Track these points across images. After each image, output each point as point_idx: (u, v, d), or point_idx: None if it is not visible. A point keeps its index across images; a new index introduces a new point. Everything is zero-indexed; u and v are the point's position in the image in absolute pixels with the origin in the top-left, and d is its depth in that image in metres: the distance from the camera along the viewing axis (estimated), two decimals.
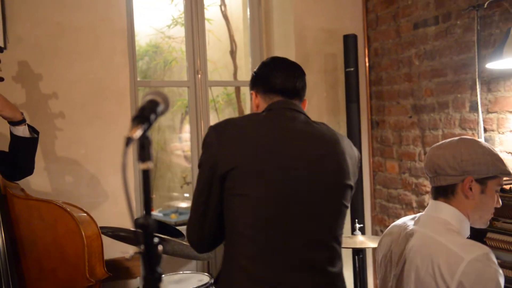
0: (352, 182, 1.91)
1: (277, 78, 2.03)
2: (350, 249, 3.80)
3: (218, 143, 1.81)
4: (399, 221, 2.00)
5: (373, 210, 4.15)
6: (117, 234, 2.90)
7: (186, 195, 4.75)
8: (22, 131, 2.41)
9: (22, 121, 2.41)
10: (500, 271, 1.64)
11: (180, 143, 5.28)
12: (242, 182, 1.78)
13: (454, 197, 1.81)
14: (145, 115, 1.11)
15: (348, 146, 1.95)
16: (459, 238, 1.73)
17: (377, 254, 2.05)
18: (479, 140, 1.96)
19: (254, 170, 1.79)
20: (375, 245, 3.06)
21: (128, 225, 3.16)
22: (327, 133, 1.93)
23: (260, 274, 1.79)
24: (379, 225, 4.10)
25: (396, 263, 1.85)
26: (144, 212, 1.08)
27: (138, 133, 1.07)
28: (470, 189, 1.79)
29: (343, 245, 3.27)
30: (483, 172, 1.79)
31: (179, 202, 4.89)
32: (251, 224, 1.79)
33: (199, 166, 1.86)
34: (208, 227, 1.84)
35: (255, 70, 2.14)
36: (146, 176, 1.07)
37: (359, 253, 3.32)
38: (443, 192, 1.83)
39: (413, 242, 1.79)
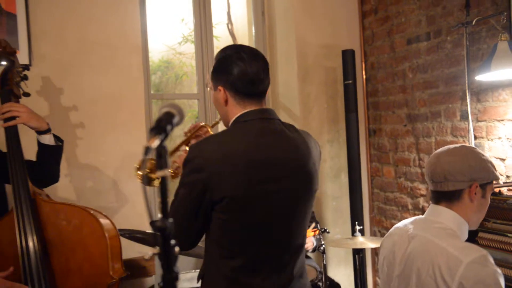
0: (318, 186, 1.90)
1: (254, 82, 1.83)
2: (351, 250, 3.82)
3: (207, 169, 1.67)
4: (400, 224, 1.98)
5: (371, 212, 4.14)
6: (133, 235, 2.90)
7: None
8: (48, 139, 2.42)
9: (47, 130, 2.41)
10: (499, 271, 1.63)
11: None
12: (232, 209, 1.70)
13: (459, 201, 1.80)
14: (162, 126, 1.13)
15: (314, 148, 1.91)
16: (458, 242, 1.72)
17: (379, 255, 2.04)
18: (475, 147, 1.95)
19: (244, 199, 1.70)
20: (374, 245, 3.07)
21: (144, 227, 3.18)
22: (300, 142, 1.86)
23: (247, 281, 1.76)
24: (377, 226, 4.09)
25: (398, 265, 1.84)
26: (161, 215, 1.08)
27: (155, 143, 1.08)
28: (475, 194, 1.80)
29: (344, 246, 3.29)
30: (485, 178, 1.81)
31: None
32: (239, 241, 1.75)
33: (183, 184, 1.71)
34: (193, 235, 1.75)
35: (220, 58, 1.86)
36: (163, 182, 1.07)
37: (359, 253, 3.32)
38: (447, 197, 1.82)
39: (414, 245, 1.79)
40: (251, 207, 1.71)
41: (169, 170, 1.48)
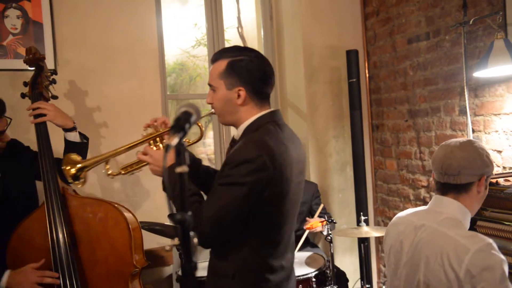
0: None
1: (271, 84, 1.86)
2: (356, 239, 3.84)
3: (271, 168, 1.66)
4: (403, 213, 1.99)
5: (375, 203, 4.15)
6: (153, 228, 2.92)
7: None
8: (73, 136, 2.45)
9: (73, 128, 2.44)
10: (504, 258, 1.63)
11: (204, 148, 5.30)
12: (279, 201, 1.74)
13: (466, 193, 1.81)
14: (181, 125, 1.13)
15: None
16: (465, 231, 1.73)
17: (385, 243, 2.04)
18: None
19: (288, 192, 1.76)
20: (378, 234, 3.08)
21: (163, 219, 3.21)
22: (300, 142, 1.95)
23: (278, 264, 1.82)
24: (381, 216, 4.11)
25: (406, 253, 1.84)
26: (181, 209, 1.07)
27: (175, 141, 1.08)
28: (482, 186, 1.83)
29: (350, 236, 3.28)
30: (489, 172, 1.83)
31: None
32: (278, 229, 1.79)
33: (241, 183, 1.64)
34: (230, 232, 1.73)
35: (238, 60, 1.80)
36: (182, 178, 1.07)
37: (364, 241, 3.33)
38: (457, 189, 1.82)
39: (422, 235, 1.79)
40: (289, 199, 1.77)
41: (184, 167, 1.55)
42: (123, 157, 2.37)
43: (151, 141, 1.99)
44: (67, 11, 3.10)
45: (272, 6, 4.11)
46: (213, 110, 1.90)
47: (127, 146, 2.04)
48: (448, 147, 1.86)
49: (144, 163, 2.00)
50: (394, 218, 2.03)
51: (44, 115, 2.35)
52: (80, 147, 2.48)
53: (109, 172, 2.05)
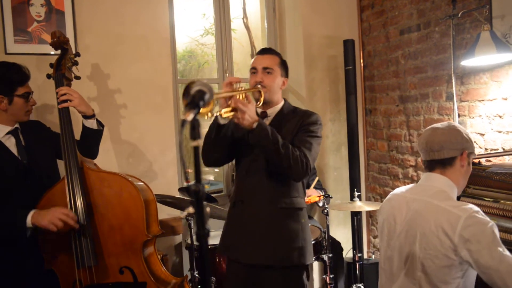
0: None
1: None
2: (349, 212, 3.87)
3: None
4: (396, 191, 2.00)
5: (367, 181, 4.17)
6: (164, 200, 2.94)
7: (216, 170, 4.79)
8: (91, 123, 2.43)
9: (92, 116, 2.43)
10: (492, 222, 1.67)
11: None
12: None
13: (451, 167, 1.84)
14: (195, 102, 1.12)
15: None
16: (454, 201, 1.76)
17: (378, 218, 2.06)
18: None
19: None
20: (369, 208, 3.11)
21: (173, 192, 3.23)
22: None
23: None
24: (372, 193, 4.13)
25: (399, 225, 1.86)
26: (196, 180, 1.07)
27: (190, 116, 1.06)
28: (464, 160, 1.86)
29: (344, 209, 3.34)
30: (470, 148, 1.87)
31: (210, 176, 4.93)
32: None
33: (318, 136, 2.20)
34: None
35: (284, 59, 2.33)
36: (196, 151, 1.05)
37: (357, 215, 3.36)
38: (442, 164, 1.85)
39: (416, 207, 1.81)
40: None
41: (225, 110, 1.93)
42: None
43: (241, 95, 2.02)
44: (87, 0, 3.07)
45: None
46: (259, 86, 2.20)
47: (229, 93, 1.98)
48: (431, 128, 1.90)
49: (232, 111, 1.97)
50: (389, 195, 2.05)
51: (70, 100, 2.34)
52: (96, 134, 2.48)
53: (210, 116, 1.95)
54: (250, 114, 1.95)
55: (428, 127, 1.94)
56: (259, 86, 2.19)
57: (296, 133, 2.16)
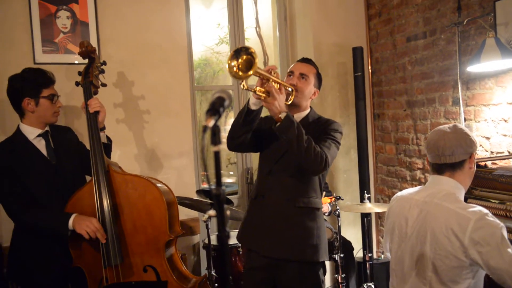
0: None
1: None
2: (359, 213, 3.86)
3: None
4: (403, 193, 1.99)
5: (376, 183, 4.15)
6: (182, 202, 2.95)
7: (231, 172, 4.81)
8: (102, 136, 2.46)
9: (103, 128, 2.47)
10: (502, 224, 1.65)
11: (225, 133, 5.32)
12: None
13: (461, 170, 1.83)
14: (216, 108, 1.11)
15: None
16: (464, 204, 1.75)
17: (387, 220, 2.04)
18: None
19: None
20: (379, 210, 3.09)
21: (191, 194, 3.25)
22: None
23: None
24: (380, 194, 4.11)
25: (411, 227, 1.84)
26: (216, 184, 1.07)
27: (211, 123, 1.06)
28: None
29: (355, 211, 3.34)
30: (475, 149, 1.87)
31: (225, 178, 4.94)
32: None
33: (339, 143, 2.24)
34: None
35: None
36: (217, 156, 1.05)
37: (367, 216, 3.34)
38: (451, 167, 1.84)
39: (427, 209, 1.80)
40: None
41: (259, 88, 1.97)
42: None
43: (276, 84, 2.02)
44: (109, 12, 3.11)
45: (286, 8, 4.10)
46: (291, 88, 2.22)
47: (265, 73, 1.97)
48: (440, 131, 1.88)
49: (265, 94, 1.99)
50: (395, 197, 2.03)
51: (100, 112, 2.40)
52: (105, 148, 2.49)
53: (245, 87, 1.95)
54: (279, 103, 1.98)
55: (436, 129, 1.91)
56: (291, 88, 2.22)
57: (318, 136, 2.19)
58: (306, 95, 2.28)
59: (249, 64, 1.82)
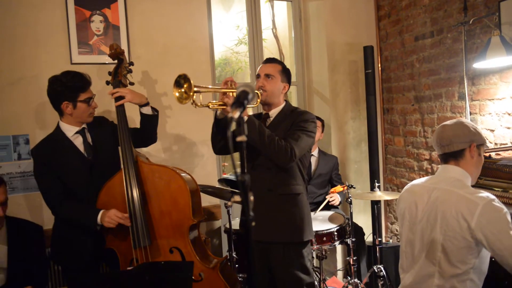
0: None
1: None
2: (369, 201, 3.85)
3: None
4: (416, 181, 2.00)
5: (385, 173, 4.13)
6: (205, 189, 2.96)
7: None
8: (146, 110, 2.50)
9: (146, 104, 2.50)
10: (506, 209, 1.66)
11: None
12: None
13: (462, 158, 1.83)
14: (241, 101, 1.11)
15: None
16: (472, 189, 1.75)
17: (398, 206, 2.04)
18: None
19: None
20: (388, 198, 3.07)
21: (213, 183, 3.28)
22: None
23: None
24: (389, 184, 4.09)
25: (421, 211, 1.85)
26: (241, 172, 1.06)
27: (237, 114, 1.07)
28: (474, 152, 1.84)
29: (366, 198, 3.34)
30: (479, 141, 1.85)
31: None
32: None
33: (312, 132, 2.25)
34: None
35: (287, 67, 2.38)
36: (241, 146, 1.05)
37: (377, 203, 3.34)
38: (454, 156, 1.84)
39: (437, 195, 1.80)
40: None
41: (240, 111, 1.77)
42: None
43: (232, 93, 2.12)
44: (138, 17, 3.15)
45: (301, 11, 4.08)
46: (260, 91, 2.29)
47: (213, 90, 2.14)
48: (442, 125, 1.90)
49: (223, 105, 2.13)
50: (407, 186, 2.03)
51: (123, 97, 2.41)
52: (152, 119, 2.55)
53: (199, 103, 2.08)
54: None
55: (440, 125, 1.93)
56: (260, 91, 2.30)
57: (289, 128, 2.26)
58: (276, 92, 2.32)
59: (190, 87, 1.96)
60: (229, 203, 2.91)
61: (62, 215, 2.36)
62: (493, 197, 1.68)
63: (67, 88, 2.29)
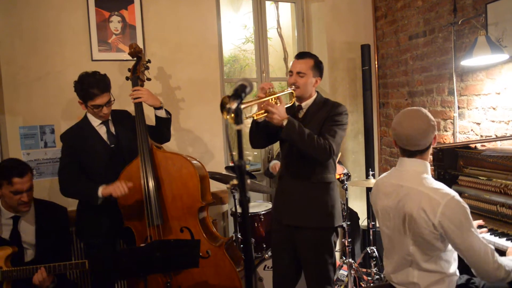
0: None
1: None
2: (364, 188, 3.88)
3: None
4: (384, 178, 1.93)
5: (380, 162, 4.15)
6: (214, 176, 3.02)
7: (255, 153, 4.87)
8: (160, 113, 2.53)
9: (160, 107, 2.53)
10: (467, 205, 1.65)
11: (249, 120, 5.36)
12: None
13: (427, 151, 1.80)
14: (238, 93, 1.14)
15: None
16: (434, 184, 1.71)
17: (371, 201, 2.00)
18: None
19: None
20: None
21: (221, 170, 3.32)
22: None
23: None
24: (384, 172, 4.10)
25: (392, 208, 1.81)
26: (238, 157, 1.10)
27: (234, 105, 1.10)
28: None
29: (361, 185, 3.33)
30: (436, 130, 1.80)
31: (250, 157, 4.98)
32: None
33: (345, 124, 2.24)
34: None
35: (320, 61, 2.30)
36: (239, 134, 1.09)
37: (371, 190, 3.35)
38: (420, 151, 1.78)
39: (403, 193, 1.76)
40: None
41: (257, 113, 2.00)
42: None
43: (272, 99, 2.08)
44: (153, 17, 3.18)
45: (303, 12, 4.09)
46: (293, 87, 2.24)
47: (258, 101, 2.05)
48: (408, 123, 1.75)
49: (265, 113, 2.07)
50: (377, 181, 1.97)
51: (140, 97, 2.46)
52: (166, 121, 2.58)
53: (248, 115, 2.06)
54: (279, 114, 2.04)
55: (402, 117, 1.78)
56: (292, 87, 2.24)
57: (324, 122, 2.20)
58: (308, 88, 2.25)
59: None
60: (228, 185, 2.96)
61: (67, 190, 2.38)
62: (454, 193, 1.65)
63: (81, 90, 2.35)
